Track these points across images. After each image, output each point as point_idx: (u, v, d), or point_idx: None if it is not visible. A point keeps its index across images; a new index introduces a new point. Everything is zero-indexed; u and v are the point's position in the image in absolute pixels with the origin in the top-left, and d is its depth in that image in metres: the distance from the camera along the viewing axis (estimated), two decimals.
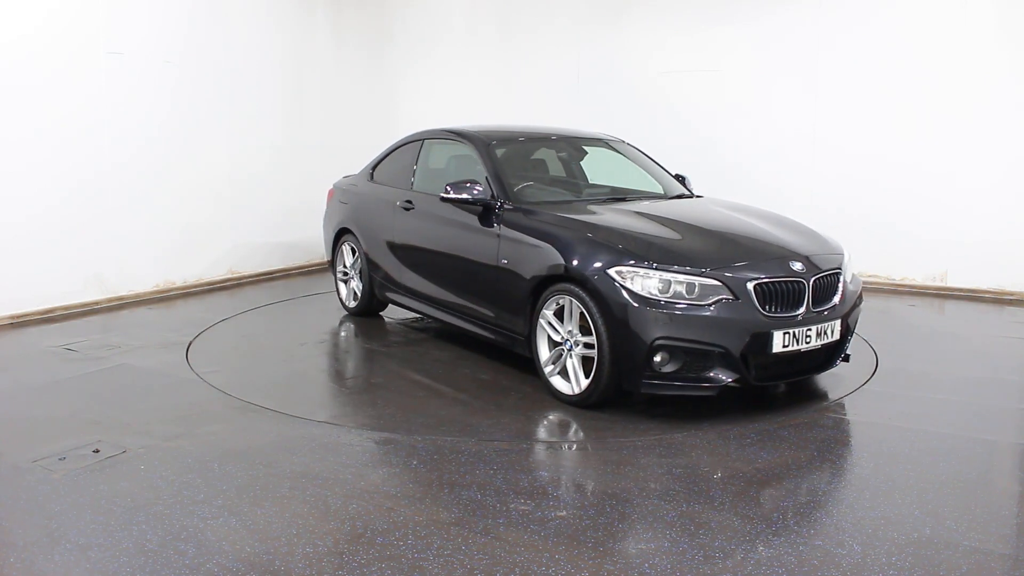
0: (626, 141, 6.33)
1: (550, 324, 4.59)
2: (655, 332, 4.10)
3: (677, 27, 8.50)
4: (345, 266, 6.77)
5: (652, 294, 4.15)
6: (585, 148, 6.17)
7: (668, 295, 4.14)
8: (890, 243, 7.71)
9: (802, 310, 4.29)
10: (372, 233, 6.35)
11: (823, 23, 7.81)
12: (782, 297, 4.25)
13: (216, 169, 7.95)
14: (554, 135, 6.11)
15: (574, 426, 4.28)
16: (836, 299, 4.48)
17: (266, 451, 3.88)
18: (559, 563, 2.86)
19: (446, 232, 5.52)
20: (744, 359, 4.17)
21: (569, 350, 4.50)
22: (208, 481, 3.53)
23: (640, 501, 3.37)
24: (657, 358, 4.15)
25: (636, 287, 4.18)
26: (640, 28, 8.68)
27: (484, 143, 5.54)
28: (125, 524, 3.14)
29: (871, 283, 7.78)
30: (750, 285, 4.18)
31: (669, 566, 2.84)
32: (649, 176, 5.91)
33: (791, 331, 4.22)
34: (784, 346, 4.21)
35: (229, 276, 8.14)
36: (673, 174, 6.02)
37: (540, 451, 4.01)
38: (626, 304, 4.16)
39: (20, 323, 6.32)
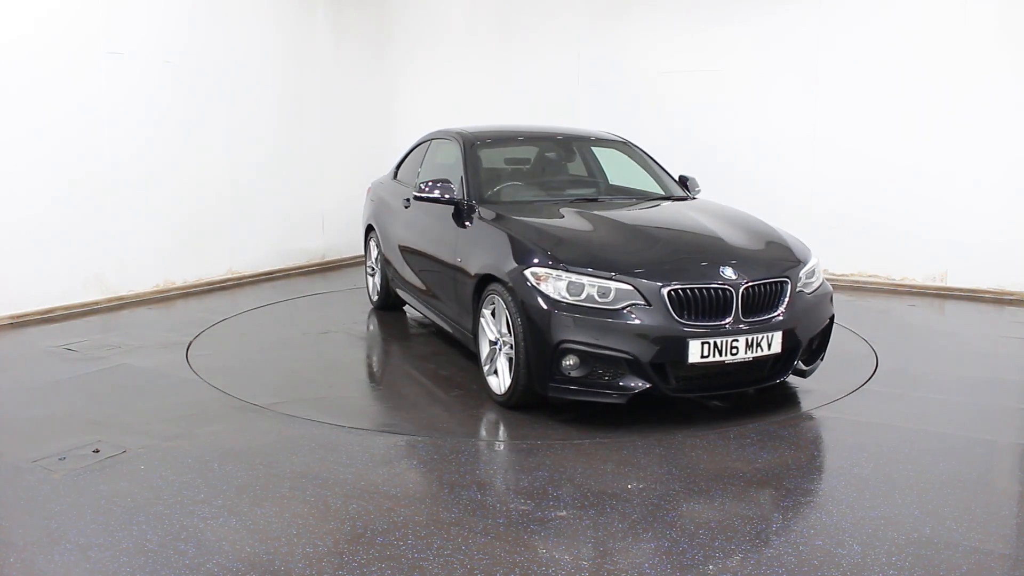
0: (631, 142, 6.31)
1: (488, 324, 4.57)
2: (561, 335, 4.03)
3: (677, 27, 8.49)
4: (371, 261, 6.94)
5: (562, 296, 4.08)
6: (584, 149, 6.13)
7: (580, 298, 4.07)
8: (890, 243, 7.71)
9: (729, 319, 4.11)
10: (386, 230, 6.47)
11: (823, 23, 7.81)
12: (702, 305, 4.06)
13: (216, 169, 7.94)
14: (555, 135, 6.09)
15: (501, 426, 4.26)
16: (780, 309, 4.23)
17: (266, 451, 3.88)
18: (559, 563, 2.86)
19: (426, 230, 5.60)
20: (659, 368, 4.02)
21: (499, 350, 4.47)
22: (208, 481, 3.53)
23: (640, 501, 3.37)
24: (569, 361, 4.08)
25: (548, 289, 4.12)
26: (640, 28, 8.68)
27: (469, 143, 5.54)
28: (125, 524, 3.14)
29: (871, 283, 7.79)
30: (664, 291, 4.03)
31: (669, 566, 2.84)
32: (650, 177, 5.87)
33: (711, 341, 4.01)
34: (703, 356, 4.01)
35: (229, 276, 8.14)
36: (678, 176, 5.94)
37: (541, 451, 4.01)
38: (537, 306, 4.11)
39: (20, 323, 6.32)
